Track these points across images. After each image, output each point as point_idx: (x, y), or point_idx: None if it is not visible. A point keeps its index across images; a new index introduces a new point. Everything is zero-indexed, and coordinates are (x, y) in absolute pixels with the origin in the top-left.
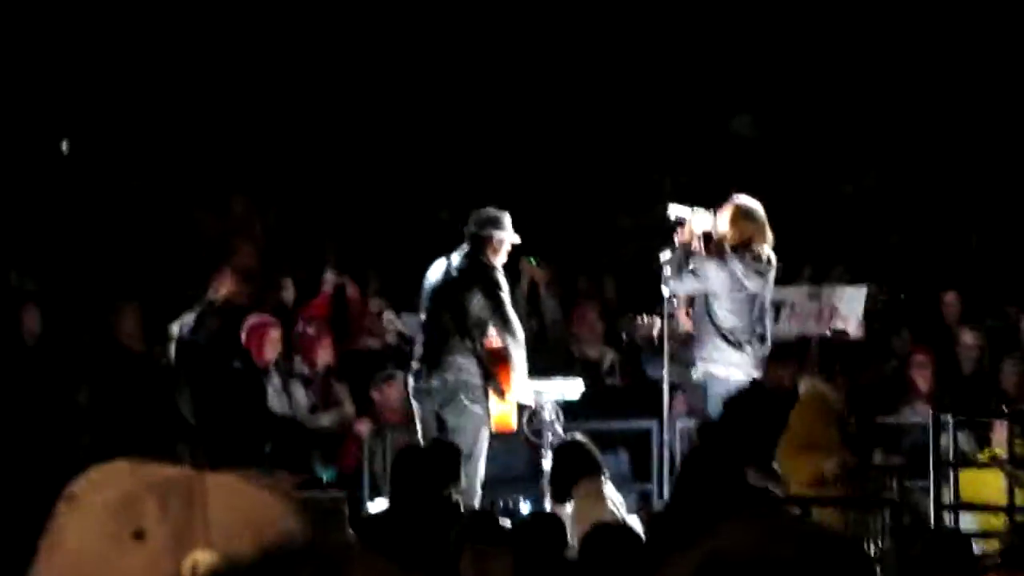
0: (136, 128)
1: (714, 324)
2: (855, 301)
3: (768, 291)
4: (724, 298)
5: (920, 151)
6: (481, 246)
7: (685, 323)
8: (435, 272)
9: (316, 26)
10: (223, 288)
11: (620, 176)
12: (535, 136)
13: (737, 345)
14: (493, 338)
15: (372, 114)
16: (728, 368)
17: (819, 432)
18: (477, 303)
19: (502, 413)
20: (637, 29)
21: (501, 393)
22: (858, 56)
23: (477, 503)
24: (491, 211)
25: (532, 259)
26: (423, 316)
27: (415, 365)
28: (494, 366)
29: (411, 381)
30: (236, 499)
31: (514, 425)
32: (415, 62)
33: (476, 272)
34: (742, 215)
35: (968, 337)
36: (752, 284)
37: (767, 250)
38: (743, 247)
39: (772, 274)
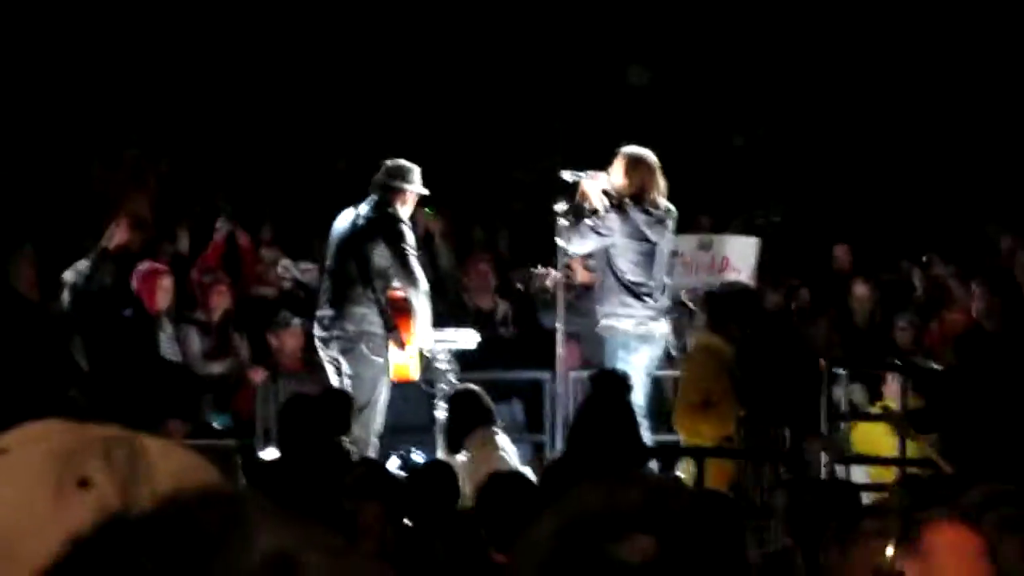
0: (29, 76)
1: (616, 277)
2: (747, 252)
3: (668, 241)
4: (627, 250)
5: (812, 102)
6: (389, 198)
7: (581, 275)
8: (342, 221)
9: None
10: (116, 237)
11: (515, 127)
12: (432, 86)
13: (640, 297)
14: (397, 290)
15: (268, 61)
16: (631, 321)
17: (712, 385)
18: (380, 253)
19: (402, 363)
20: None
21: (401, 344)
22: (748, 6)
23: (373, 452)
24: (402, 163)
25: (428, 209)
26: (328, 264)
27: (319, 313)
28: (396, 316)
29: (315, 329)
30: (169, 452)
31: (415, 375)
32: (314, 9)
33: (382, 223)
34: (633, 164)
35: (861, 290)
36: (653, 234)
37: (662, 199)
38: (639, 197)
39: (671, 223)
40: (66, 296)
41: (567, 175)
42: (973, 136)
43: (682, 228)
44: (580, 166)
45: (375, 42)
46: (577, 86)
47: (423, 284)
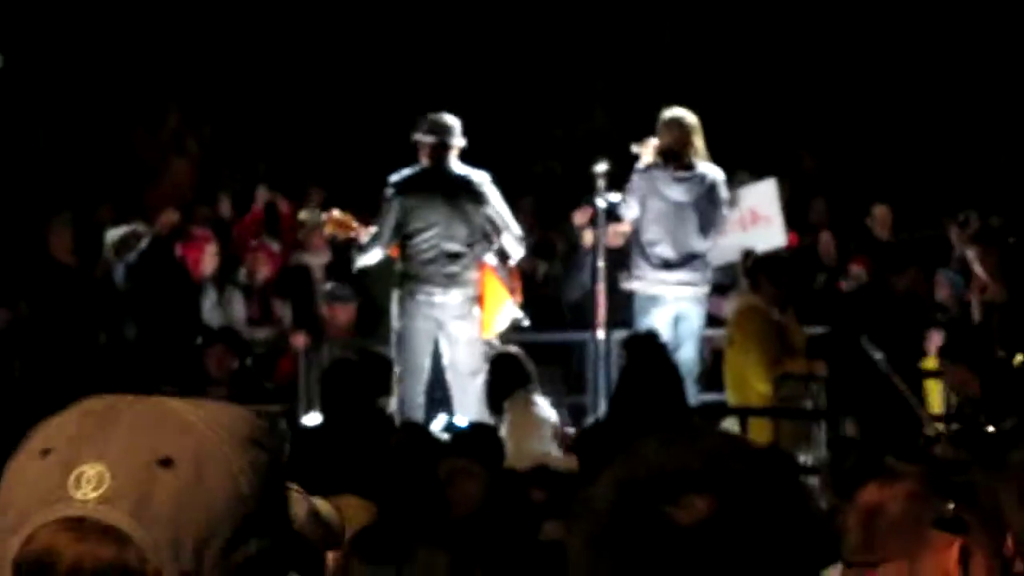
0: (70, 43)
1: (637, 237)
2: (769, 195)
3: (703, 203)
4: (648, 210)
5: (850, 62)
6: (457, 156)
7: (611, 237)
8: (427, 185)
9: None
10: (165, 221)
11: (556, 87)
12: (472, 47)
13: (649, 258)
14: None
15: (307, 29)
16: (639, 283)
17: (764, 347)
18: (490, 214)
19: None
20: None
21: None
22: None
23: (420, 415)
24: (450, 119)
25: None
26: (426, 231)
27: (421, 278)
28: (512, 276)
29: (417, 295)
30: (147, 419)
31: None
32: None
33: (483, 183)
34: (664, 126)
35: (882, 211)
36: (676, 194)
37: (699, 161)
38: (667, 157)
39: (708, 186)
40: (120, 272)
41: (634, 147)
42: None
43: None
44: (621, 127)
45: (416, 9)
46: (617, 45)
47: None
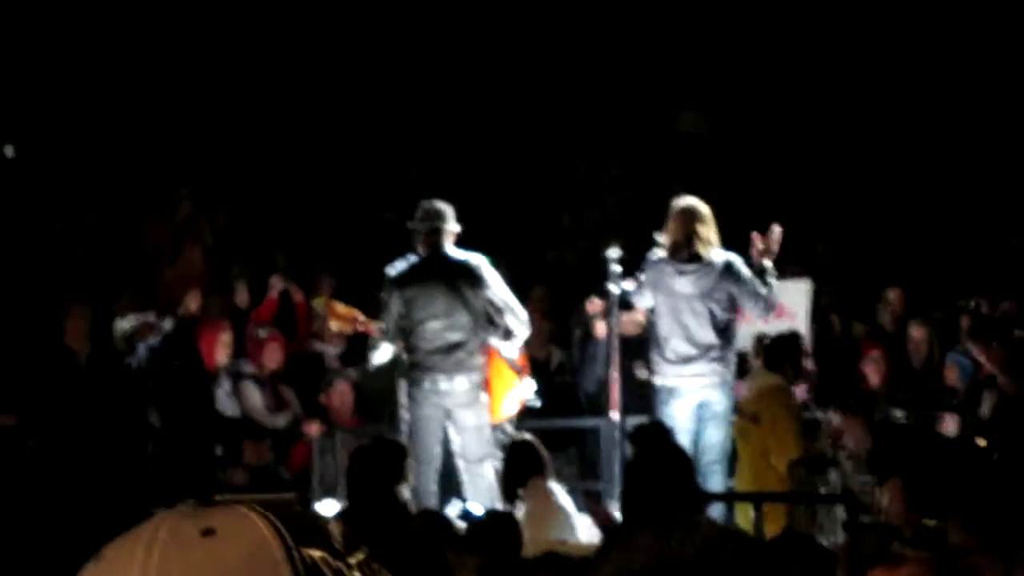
0: (82, 130)
1: (654, 330)
2: (800, 295)
3: (714, 292)
4: (659, 304)
5: (859, 148)
6: (452, 241)
7: (625, 325)
8: (424, 274)
9: (258, 28)
10: (191, 305)
11: (567, 174)
12: (481, 135)
13: (664, 352)
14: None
15: (315, 116)
16: (657, 376)
17: (797, 427)
18: (491, 296)
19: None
20: (579, 24)
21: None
22: (803, 52)
23: (434, 502)
24: (442, 205)
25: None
26: (428, 321)
27: (426, 366)
28: (518, 358)
29: (423, 384)
30: (182, 552)
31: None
32: (358, 67)
33: (480, 266)
34: (670, 217)
35: (918, 332)
36: (682, 287)
37: (707, 250)
38: (673, 249)
39: (711, 274)
40: (142, 354)
41: (657, 235)
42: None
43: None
44: (634, 214)
45: (423, 95)
46: (630, 130)
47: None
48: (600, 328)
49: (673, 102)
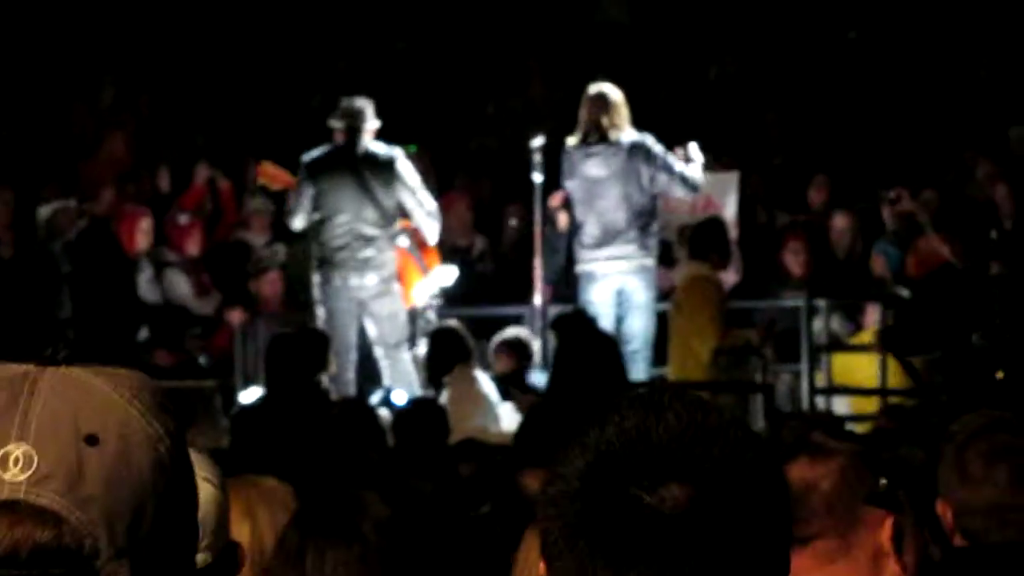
0: (4, 18)
1: (572, 217)
2: (728, 187)
3: (620, 173)
4: (573, 190)
5: (784, 36)
6: (371, 138)
7: (561, 220)
8: (335, 167)
9: None
10: (105, 204)
11: (490, 64)
12: (407, 22)
13: (579, 236)
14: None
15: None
16: (577, 263)
17: (716, 314)
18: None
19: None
20: None
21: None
22: None
23: (352, 390)
24: (361, 102)
25: (409, 147)
26: (337, 215)
27: (335, 263)
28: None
29: (334, 280)
30: (65, 393)
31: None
32: None
33: (394, 161)
34: (582, 102)
35: (841, 221)
36: (594, 170)
37: (619, 133)
38: (584, 135)
39: (619, 153)
40: (58, 250)
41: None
42: (949, 62)
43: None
44: (556, 102)
45: None
46: (552, 19)
47: None
48: (562, 220)
49: None
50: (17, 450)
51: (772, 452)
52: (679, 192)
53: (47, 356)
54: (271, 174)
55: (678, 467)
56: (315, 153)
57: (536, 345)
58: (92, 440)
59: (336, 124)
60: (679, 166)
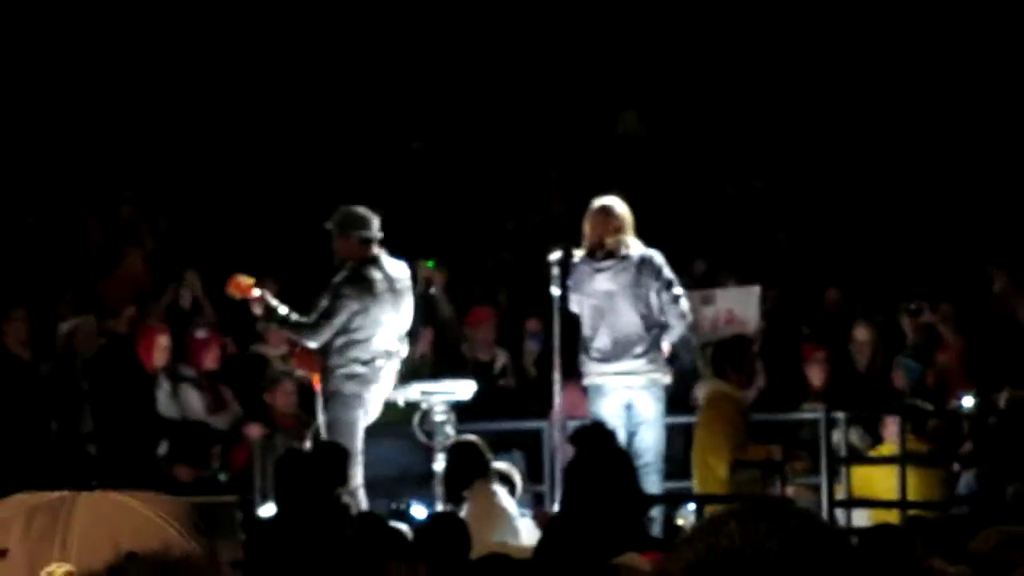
0: (23, 131)
1: (580, 331)
2: (749, 302)
3: (630, 287)
4: (580, 304)
5: (803, 151)
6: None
7: None
8: (385, 277)
9: (198, 26)
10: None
11: (509, 178)
12: (426, 138)
13: (588, 351)
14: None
15: (258, 122)
16: (585, 377)
17: (731, 431)
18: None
19: None
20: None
21: None
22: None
23: (364, 505)
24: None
25: (428, 262)
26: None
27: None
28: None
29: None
30: (103, 515)
31: None
32: (300, 68)
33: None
34: (586, 217)
35: (862, 333)
36: (603, 284)
37: (628, 248)
38: (592, 249)
39: (628, 268)
40: (77, 364)
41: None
42: (970, 176)
43: (677, 273)
44: (575, 216)
45: (367, 92)
46: (569, 131)
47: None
48: None
49: (611, 104)
50: (59, 570)
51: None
52: (672, 318)
53: (80, 483)
54: (238, 283)
55: (778, 568)
56: (349, 273)
57: (518, 481)
58: (131, 558)
59: (365, 234)
60: (678, 291)
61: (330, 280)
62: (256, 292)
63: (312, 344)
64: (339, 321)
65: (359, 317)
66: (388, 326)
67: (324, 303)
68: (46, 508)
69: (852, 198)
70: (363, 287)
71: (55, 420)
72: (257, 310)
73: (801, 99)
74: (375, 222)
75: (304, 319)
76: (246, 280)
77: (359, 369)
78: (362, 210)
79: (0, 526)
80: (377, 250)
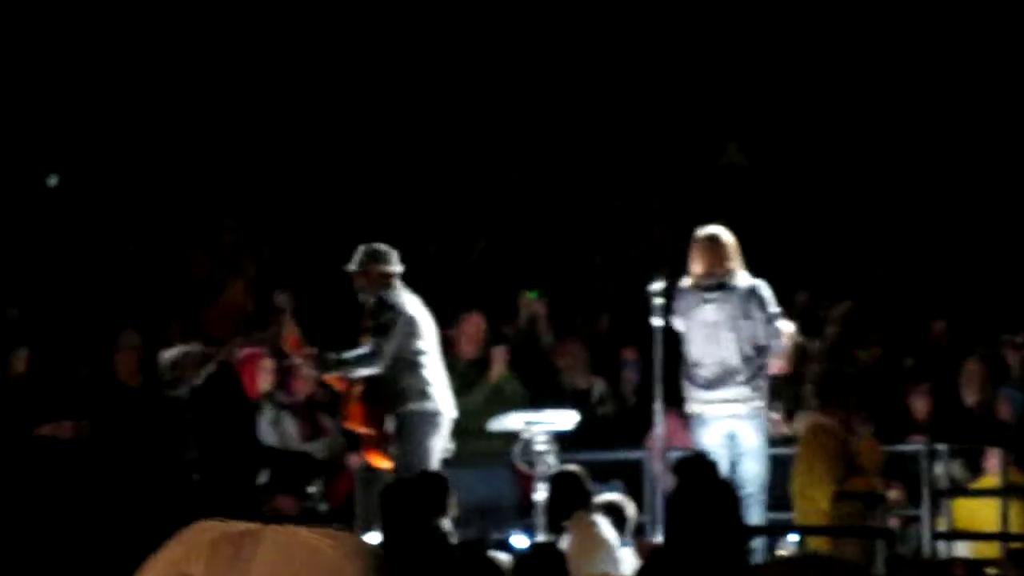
0: (125, 160)
1: (684, 358)
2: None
3: (734, 319)
4: (686, 330)
5: (904, 179)
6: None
7: None
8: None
9: (301, 65)
10: (235, 352)
11: (611, 206)
12: (529, 167)
13: (692, 378)
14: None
15: (360, 146)
16: (688, 403)
17: (832, 463)
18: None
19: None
20: (624, 57)
21: None
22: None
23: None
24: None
25: (530, 293)
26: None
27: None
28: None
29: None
30: (287, 551)
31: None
32: (400, 101)
33: None
34: (693, 246)
35: (975, 366)
36: (703, 313)
37: (730, 276)
38: (696, 277)
39: (734, 300)
40: (183, 391)
41: None
42: None
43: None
44: (678, 246)
45: (470, 123)
46: (673, 163)
47: None
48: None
49: (715, 136)
50: None
51: None
52: (774, 350)
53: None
54: (294, 341)
55: None
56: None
57: (631, 511)
58: None
59: (393, 268)
60: (781, 325)
61: (359, 323)
62: (305, 350)
63: (377, 368)
64: (395, 334)
65: (412, 338)
66: (433, 351)
67: (370, 333)
68: (230, 540)
69: (956, 229)
70: (398, 305)
71: (161, 448)
72: (309, 368)
73: (903, 132)
74: (394, 256)
75: (360, 350)
76: (295, 336)
77: (429, 389)
78: (383, 246)
79: (185, 555)
80: (398, 285)
